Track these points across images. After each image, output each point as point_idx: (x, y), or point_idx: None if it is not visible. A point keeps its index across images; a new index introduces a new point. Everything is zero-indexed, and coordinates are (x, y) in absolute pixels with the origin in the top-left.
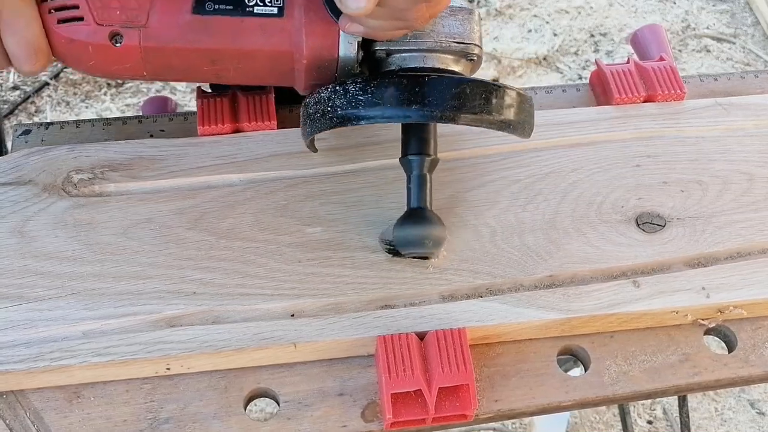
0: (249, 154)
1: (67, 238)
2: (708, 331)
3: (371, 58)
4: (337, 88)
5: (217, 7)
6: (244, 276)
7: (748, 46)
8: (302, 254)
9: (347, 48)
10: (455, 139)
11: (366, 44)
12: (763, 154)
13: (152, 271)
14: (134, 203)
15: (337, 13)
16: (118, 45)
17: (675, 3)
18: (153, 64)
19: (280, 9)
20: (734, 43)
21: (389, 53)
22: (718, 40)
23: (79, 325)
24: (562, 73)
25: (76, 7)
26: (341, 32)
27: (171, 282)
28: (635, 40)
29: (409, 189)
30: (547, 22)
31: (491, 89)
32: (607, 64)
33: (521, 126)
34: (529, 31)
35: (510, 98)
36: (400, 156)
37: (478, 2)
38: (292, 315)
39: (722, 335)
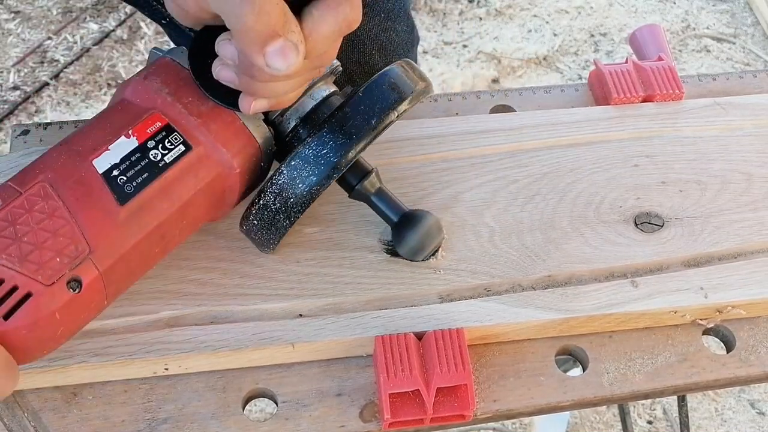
0: None
1: None
2: (706, 331)
3: (272, 128)
4: (293, 163)
5: (135, 183)
6: (242, 276)
7: (748, 46)
8: (301, 254)
9: (260, 131)
10: (454, 139)
11: (264, 119)
12: (762, 153)
13: (151, 271)
14: None
15: (231, 103)
16: (78, 291)
17: (675, 3)
18: (114, 284)
19: (185, 143)
20: (734, 43)
21: (283, 113)
22: (718, 40)
23: None
24: (562, 73)
25: (15, 288)
26: (244, 121)
27: (169, 282)
28: (634, 40)
29: (378, 209)
30: (547, 22)
31: (400, 68)
32: (605, 64)
33: (430, 83)
34: (529, 31)
35: (409, 67)
36: (347, 195)
37: (478, 2)
38: (294, 315)
39: (721, 335)
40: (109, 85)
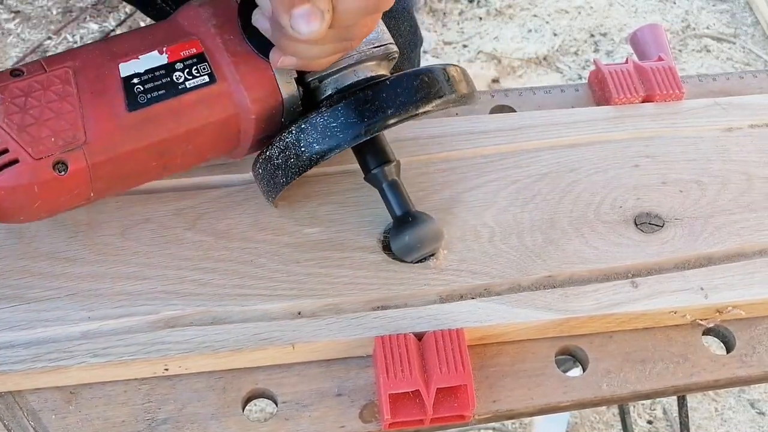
0: None
1: (66, 238)
2: (706, 332)
3: (306, 91)
4: (303, 126)
5: (149, 96)
6: (242, 276)
7: (748, 46)
8: (300, 255)
9: (287, 88)
10: (454, 140)
11: (299, 78)
12: (762, 154)
13: (150, 272)
14: (133, 204)
15: (265, 50)
16: (63, 173)
17: (675, 3)
18: (101, 180)
19: (210, 75)
20: (734, 43)
21: (322, 79)
22: (718, 40)
23: (78, 325)
24: (562, 73)
25: (5, 151)
26: (276, 73)
27: (169, 282)
28: (634, 40)
29: (386, 200)
30: (547, 22)
31: (442, 71)
32: (605, 64)
33: (473, 95)
34: (529, 31)
35: (456, 74)
36: (363, 176)
37: (478, 2)
38: (293, 315)
39: (721, 335)
40: None
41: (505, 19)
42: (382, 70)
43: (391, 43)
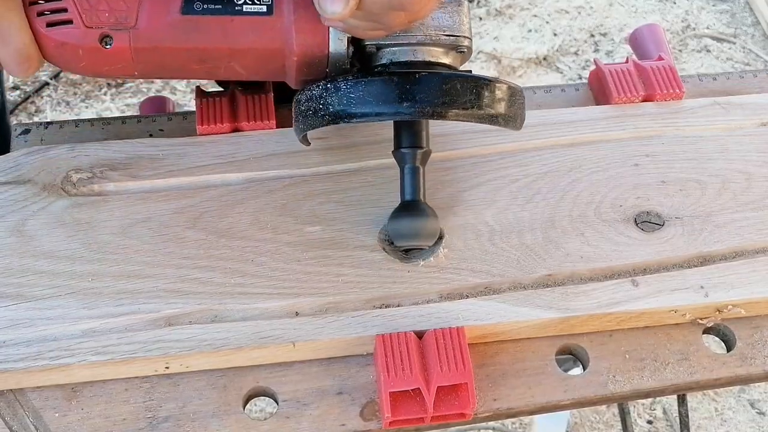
0: (248, 153)
1: (67, 237)
2: (707, 330)
3: (362, 53)
4: (329, 85)
5: (206, 6)
6: (243, 275)
7: (748, 46)
8: (301, 253)
9: (337, 44)
10: (454, 139)
11: (356, 39)
12: (762, 153)
13: (151, 270)
14: (133, 202)
15: None
16: (108, 47)
17: (675, 3)
18: (143, 64)
19: (269, 7)
20: (734, 43)
21: (379, 47)
22: (718, 40)
23: (79, 324)
24: (562, 73)
25: (65, 10)
26: (330, 28)
27: (170, 281)
28: (634, 40)
29: (402, 181)
30: (547, 22)
31: (481, 84)
32: (605, 64)
33: (512, 119)
34: (529, 31)
35: (500, 92)
36: (392, 149)
37: (478, 2)
38: (294, 314)
39: (721, 334)
40: (108, 84)
41: (505, 19)
42: (448, 59)
43: (464, 36)
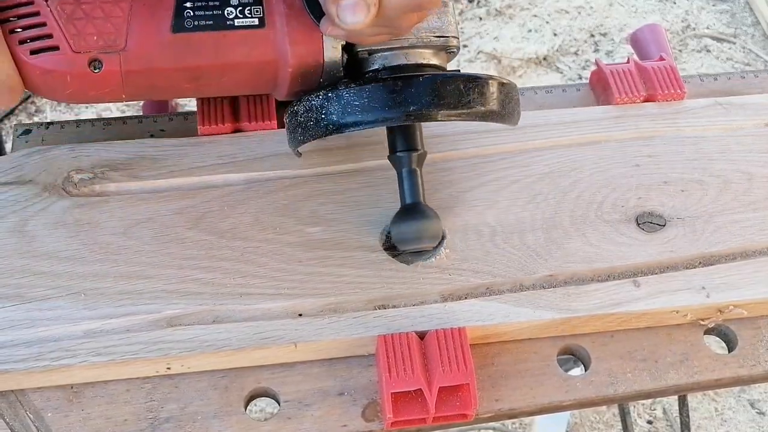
0: (249, 153)
1: (68, 237)
2: (708, 331)
3: (353, 58)
4: (330, 95)
5: (196, 23)
6: (244, 276)
7: (748, 46)
8: (302, 254)
9: (332, 52)
10: (455, 139)
11: (348, 45)
12: (764, 153)
13: (152, 271)
14: (134, 203)
15: (319, 16)
16: (97, 71)
17: (675, 3)
18: (133, 86)
19: (261, 19)
20: (734, 43)
21: (371, 53)
22: (718, 40)
23: (80, 324)
24: (562, 73)
25: (50, 36)
26: (324, 37)
27: (171, 282)
28: (635, 40)
29: (401, 185)
30: (547, 22)
31: (482, 83)
32: (607, 64)
33: (510, 115)
34: (529, 31)
35: (496, 89)
36: (388, 154)
37: (478, 2)
38: (295, 315)
39: (722, 335)
40: None
41: (505, 19)
42: (438, 60)
43: (453, 37)
